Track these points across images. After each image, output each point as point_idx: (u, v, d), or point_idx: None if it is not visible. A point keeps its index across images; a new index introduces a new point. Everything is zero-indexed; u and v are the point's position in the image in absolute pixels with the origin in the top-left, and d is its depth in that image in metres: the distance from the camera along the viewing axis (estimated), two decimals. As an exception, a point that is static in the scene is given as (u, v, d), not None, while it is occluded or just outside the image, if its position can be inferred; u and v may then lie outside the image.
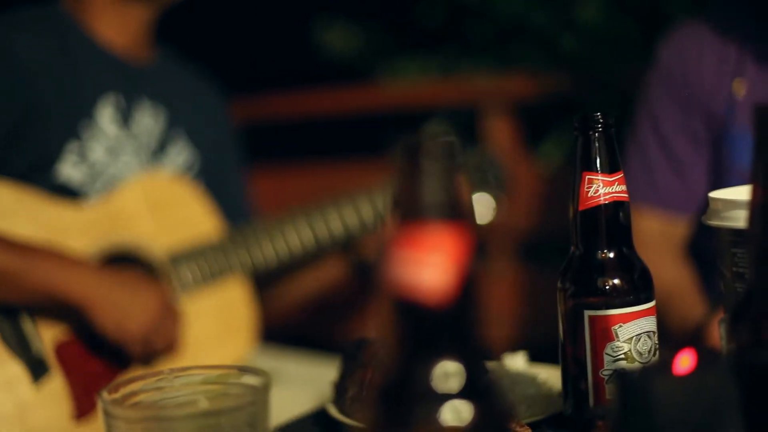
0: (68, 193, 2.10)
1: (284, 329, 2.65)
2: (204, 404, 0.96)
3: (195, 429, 0.95)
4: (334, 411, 1.41)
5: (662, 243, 2.21)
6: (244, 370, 1.04)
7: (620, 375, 0.89)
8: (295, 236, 2.25)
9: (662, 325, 1.31)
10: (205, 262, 2.18)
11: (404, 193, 0.75)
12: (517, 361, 1.57)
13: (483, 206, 2.35)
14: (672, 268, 2.19)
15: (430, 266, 0.74)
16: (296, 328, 2.75)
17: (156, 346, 2.03)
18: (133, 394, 1.01)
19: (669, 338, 1.47)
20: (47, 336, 1.97)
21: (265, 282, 2.40)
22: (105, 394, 0.99)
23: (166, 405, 1.00)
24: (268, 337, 2.47)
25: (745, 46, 2.13)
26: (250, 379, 1.02)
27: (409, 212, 0.75)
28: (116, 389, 1.01)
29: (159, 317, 2.01)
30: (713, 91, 2.15)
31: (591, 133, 1.25)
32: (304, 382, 2.30)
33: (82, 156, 2.12)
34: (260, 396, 0.99)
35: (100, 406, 0.98)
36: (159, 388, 1.03)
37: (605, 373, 1.23)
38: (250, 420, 0.97)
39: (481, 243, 2.24)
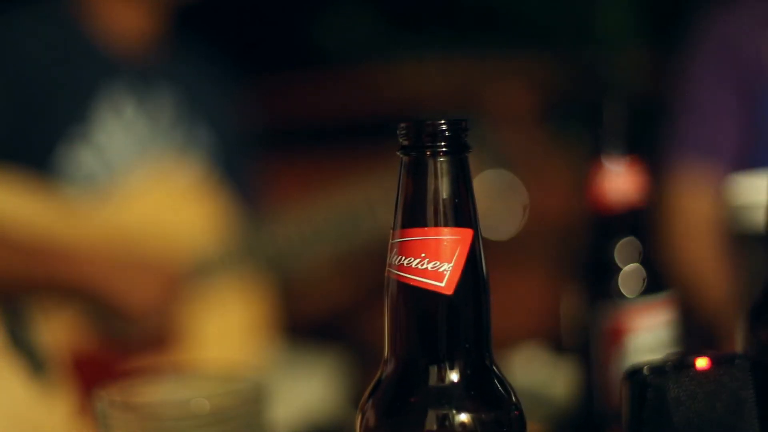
0: (78, 176, 2.09)
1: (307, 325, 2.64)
2: (203, 405, 0.94)
3: (198, 431, 0.94)
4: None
5: (707, 229, 2.20)
6: (239, 378, 1.02)
7: (635, 374, 0.87)
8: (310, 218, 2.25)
9: (688, 316, 1.28)
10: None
11: (409, 179, 0.73)
12: (529, 356, 1.55)
13: (507, 195, 2.32)
14: (711, 260, 2.17)
15: (437, 259, 0.71)
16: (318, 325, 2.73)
17: (162, 324, 2.06)
18: (130, 393, 0.99)
19: (691, 333, 1.45)
20: (55, 328, 1.97)
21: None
22: (101, 394, 0.97)
23: (163, 405, 0.98)
24: (288, 332, 2.46)
25: None
26: (245, 388, 0.99)
27: (416, 198, 0.72)
28: (112, 388, 0.98)
29: (166, 294, 2.04)
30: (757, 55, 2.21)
31: (600, 123, 1.22)
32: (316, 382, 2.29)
33: (92, 139, 2.11)
34: (254, 405, 0.97)
35: (95, 405, 0.96)
36: (156, 388, 1.01)
37: (619, 372, 1.20)
38: (249, 422, 0.94)
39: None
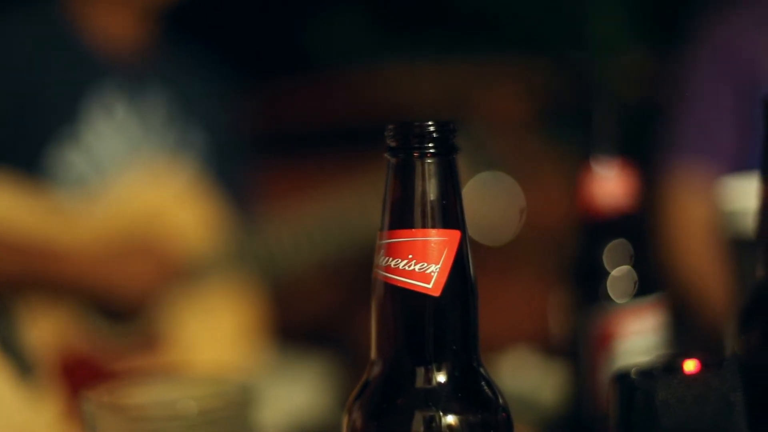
0: (68, 177, 2.09)
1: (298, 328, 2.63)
2: (190, 407, 0.93)
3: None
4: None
5: (703, 232, 2.20)
6: (227, 380, 1.02)
7: (623, 377, 0.86)
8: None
9: (682, 319, 1.28)
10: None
11: (396, 180, 0.72)
12: (518, 360, 1.54)
13: (503, 195, 2.30)
14: (708, 263, 2.17)
15: (424, 261, 0.71)
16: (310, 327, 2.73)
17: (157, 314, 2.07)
18: (117, 395, 0.99)
19: (684, 336, 1.45)
20: (43, 330, 1.97)
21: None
22: (89, 395, 0.96)
23: (150, 407, 0.97)
24: (278, 335, 2.45)
25: None
26: (233, 391, 0.98)
27: (403, 199, 0.72)
28: (100, 390, 0.98)
29: (161, 277, 2.06)
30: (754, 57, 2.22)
31: (591, 127, 1.22)
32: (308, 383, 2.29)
33: (82, 141, 2.11)
34: (242, 408, 0.96)
35: (82, 406, 0.95)
36: (144, 390, 1.00)
37: (607, 374, 1.20)
38: (236, 425, 0.94)
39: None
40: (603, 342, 1.20)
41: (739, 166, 2.12)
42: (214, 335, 2.18)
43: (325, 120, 3.22)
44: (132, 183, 2.15)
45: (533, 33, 3.21)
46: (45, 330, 1.98)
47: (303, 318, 2.61)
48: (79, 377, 1.98)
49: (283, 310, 2.46)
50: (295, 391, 2.14)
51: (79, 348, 2.02)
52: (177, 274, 2.10)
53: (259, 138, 2.77)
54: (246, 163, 2.52)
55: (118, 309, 2.03)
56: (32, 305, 1.99)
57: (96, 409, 0.95)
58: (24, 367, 1.92)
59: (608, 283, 1.21)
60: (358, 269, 2.31)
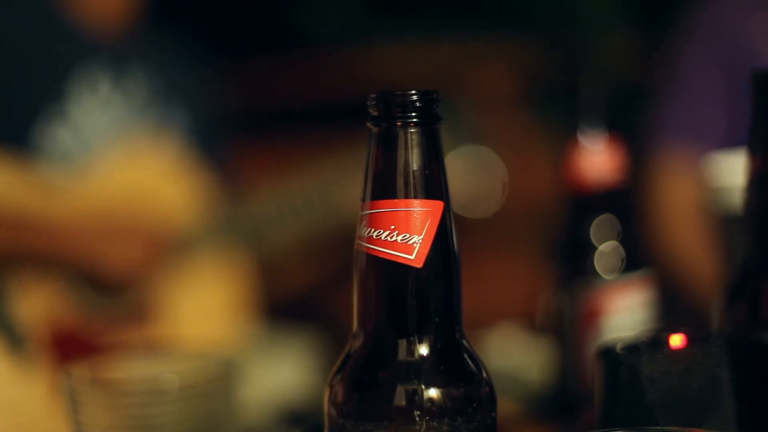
0: (55, 153, 2.08)
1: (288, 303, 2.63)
2: (172, 382, 0.93)
3: (167, 407, 0.93)
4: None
5: (692, 211, 2.21)
6: (210, 355, 1.01)
7: (608, 352, 0.86)
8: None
9: (669, 296, 1.28)
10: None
11: (379, 150, 0.71)
12: (505, 336, 1.54)
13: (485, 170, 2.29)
14: (696, 241, 2.18)
15: (406, 231, 0.70)
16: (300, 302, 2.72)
17: (144, 292, 2.06)
18: (99, 369, 0.98)
19: (671, 312, 1.45)
20: (34, 304, 1.97)
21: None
22: (70, 370, 0.96)
23: (132, 381, 0.97)
24: (264, 311, 2.45)
25: None
26: (216, 366, 0.98)
27: (386, 169, 0.71)
28: (81, 364, 0.97)
29: (150, 259, 2.06)
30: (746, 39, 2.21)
31: (578, 101, 1.22)
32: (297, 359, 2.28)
33: (68, 117, 2.11)
34: (224, 383, 0.96)
35: (63, 381, 0.94)
36: (127, 364, 1.00)
37: (593, 350, 1.19)
38: (218, 400, 0.94)
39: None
40: (590, 318, 1.19)
41: (727, 144, 2.12)
42: (199, 309, 2.18)
43: (312, 97, 3.21)
44: (117, 159, 2.15)
45: (522, 10, 3.20)
46: (35, 302, 1.98)
47: (288, 293, 2.61)
48: (68, 350, 1.98)
49: (269, 285, 2.46)
50: (280, 367, 2.14)
51: (69, 321, 2.02)
52: (164, 252, 2.10)
53: (246, 115, 2.77)
54: (230, 139, 2.52)
55: (105, 285, 2.04)
56: (23, 278, 1.99)
57: (77, 384, 0.94)
58: (15, 340, 1.91)
59: (595, 258, 1.21)
60: (342, 243, 2.31)
